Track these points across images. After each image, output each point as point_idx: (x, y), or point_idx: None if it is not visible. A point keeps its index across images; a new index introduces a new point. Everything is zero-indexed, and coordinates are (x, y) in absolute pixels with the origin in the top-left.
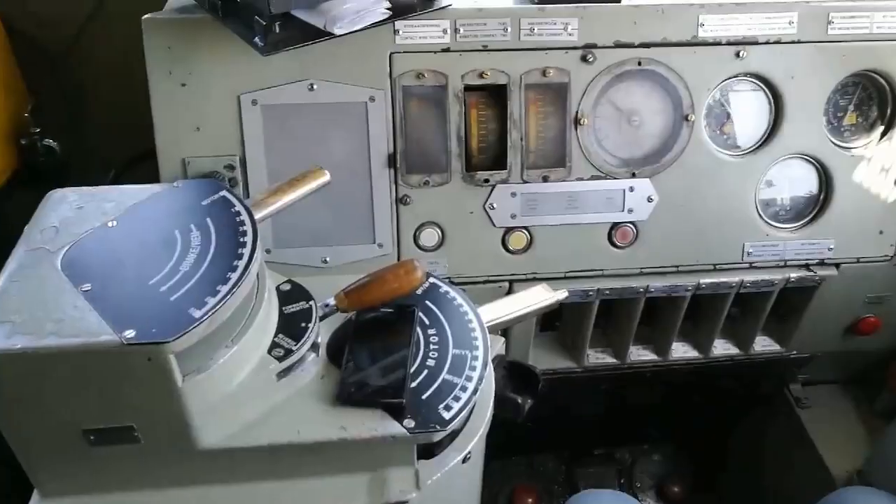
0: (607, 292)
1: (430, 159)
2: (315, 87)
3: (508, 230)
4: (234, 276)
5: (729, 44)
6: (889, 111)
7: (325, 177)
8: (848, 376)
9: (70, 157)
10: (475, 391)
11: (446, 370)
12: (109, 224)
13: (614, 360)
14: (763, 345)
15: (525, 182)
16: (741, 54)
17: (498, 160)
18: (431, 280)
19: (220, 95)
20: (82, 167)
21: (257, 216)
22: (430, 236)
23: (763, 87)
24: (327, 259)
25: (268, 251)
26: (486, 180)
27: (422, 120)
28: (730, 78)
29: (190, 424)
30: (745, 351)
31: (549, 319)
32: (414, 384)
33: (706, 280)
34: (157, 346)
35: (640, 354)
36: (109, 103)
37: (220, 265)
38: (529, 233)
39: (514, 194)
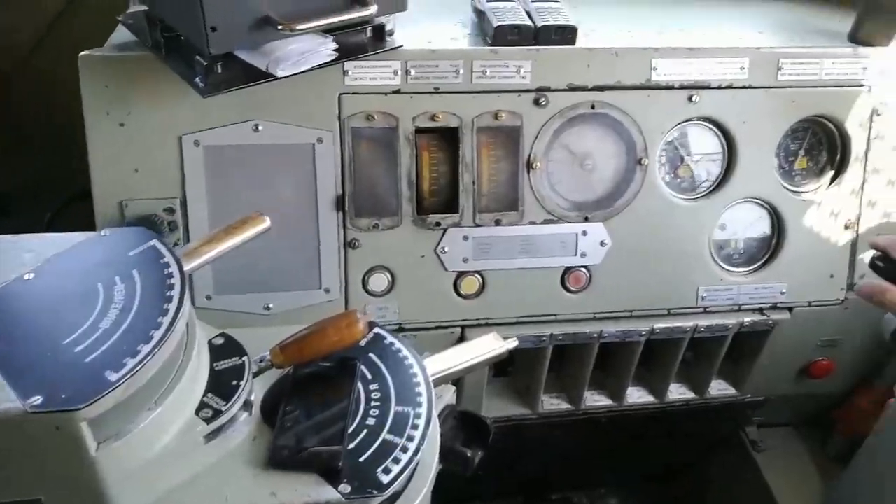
0: (561, 337)
1: (379, 202)
2: (260, 127)
3: (460, 274)
4: (157, 335)
5: (682, 88)
6: (838, 156)
7: (265, 223)
8: (802, 419)
9: (12, 191)
10: (416, 451)
11: (387, 429)
12: (26, 277)
13: (569, 406)
14: (718, 389)
15: (477, 225)
16: (694, 98)
17: (450, 203)
18: (376, 330)
19: (160, 136)
20: (24, 204)
21: (190, 266)
22: (379, 281)
23: (716, 130)
24: (270, 305)
25: (208, 297)
26: (438, 224)
27: (372, 162)
28: (683, 122)
29: (106, 494)
30: (700, 395)
31: (503, 365)
32: (352, 445)
33: (660, 325)
34: (66, 414)
35: (595, 400)
36: (52, 137)
37: (143, 322)
38: (482, 277)
39: (466, 238)
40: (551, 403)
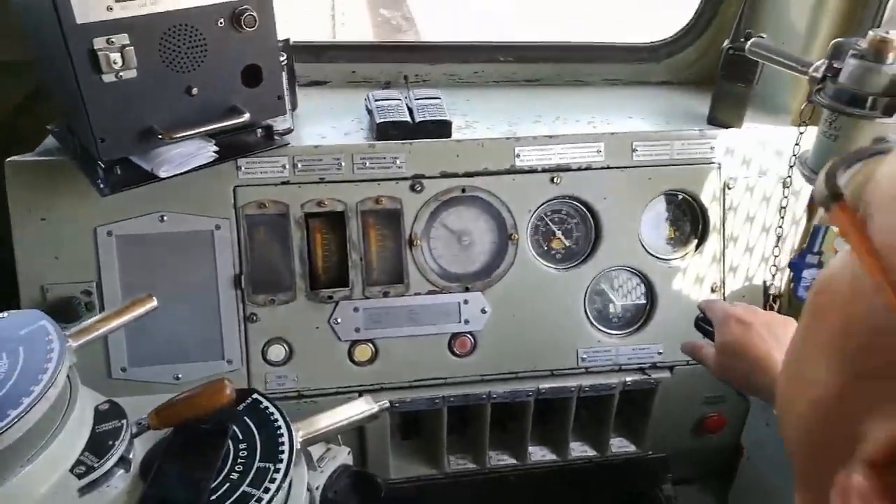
0: (453, 399)
1: (275, 279)
2: (165, 218)
3: (353, 343)
4: (27, 401)
5: (544, 171)
6: (700, 226)
7: (153, 303)
8: (712, 473)
9: None
10: (270, 501)
11: (247, 482)
12: None
13: (474, 465)
14: (619, 446)
15: (367, 298)
16: (556, 180)
17: (341, 278)
18: (255, 396)
19: (77, 228)
20: None
21: (81, 341)
22: (278, 351)
23: (581, 207)
24: (179, 376)
25: (123, 370)
26: (330, 297)
27: (266, 244)
28: (548, 201)
29: None
30: (601, 452)
31: (408, 428)
32: (214, 497)
33: (546, 385)
34: None
35: (499, 458)
36: None
37: (17, 391)
38: (374, 345)
39: (356, 309)
40: (457, 463)
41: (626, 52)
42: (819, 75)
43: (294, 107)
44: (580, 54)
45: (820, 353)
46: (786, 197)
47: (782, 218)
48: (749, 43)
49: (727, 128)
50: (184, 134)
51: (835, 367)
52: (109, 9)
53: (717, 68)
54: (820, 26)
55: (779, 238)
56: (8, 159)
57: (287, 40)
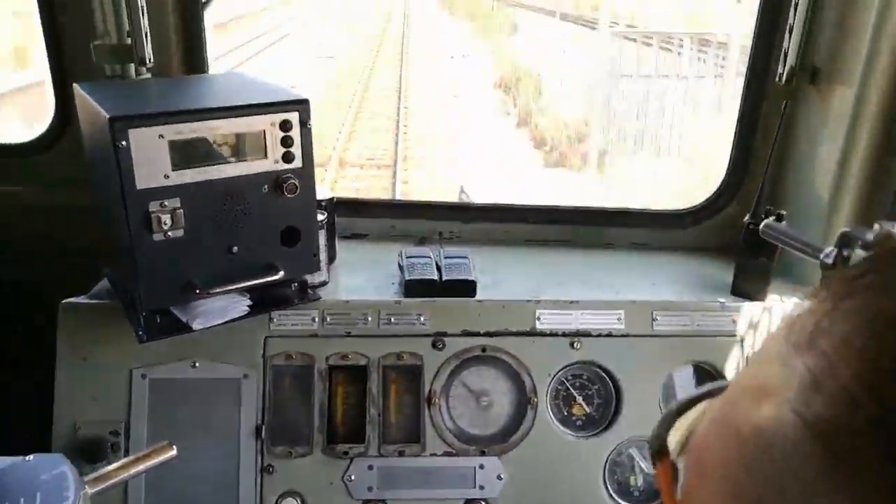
0: None
1: (294, 431)
2: (197, 364)
3: (366, 502)
4: None
5: (565, 335)
6: None
7: (172, 451)
8: None
9: None
10: None
11: None
12: None
13: None
14: None
15: (382, 456)
16: (576, 345)
17: (358, 433)
18: None
19: (115, 369)
20: None
21: (99, 488)
22: None
23: (602, 373)
24: None
25: None
26: (346, 453)
27: (288, 395)
28: (568, 365)
29: None
30: None
31: None
32: None
33: None
34: None
35: None
36: None
37: None
38: None
39: (371, 467)
40: None
41: (654, 218)
42: (830, 262)
43: (332, 259)
44: (609, 219)
45: None
46: None
47: None
48: (762, 224)
49: (751, 300)
50: (221, 290)
51: None
52: (167, 176)
53: (734, 237)
54: (841, 203)
55: None
56: (63, 301)
57: (332, 199)
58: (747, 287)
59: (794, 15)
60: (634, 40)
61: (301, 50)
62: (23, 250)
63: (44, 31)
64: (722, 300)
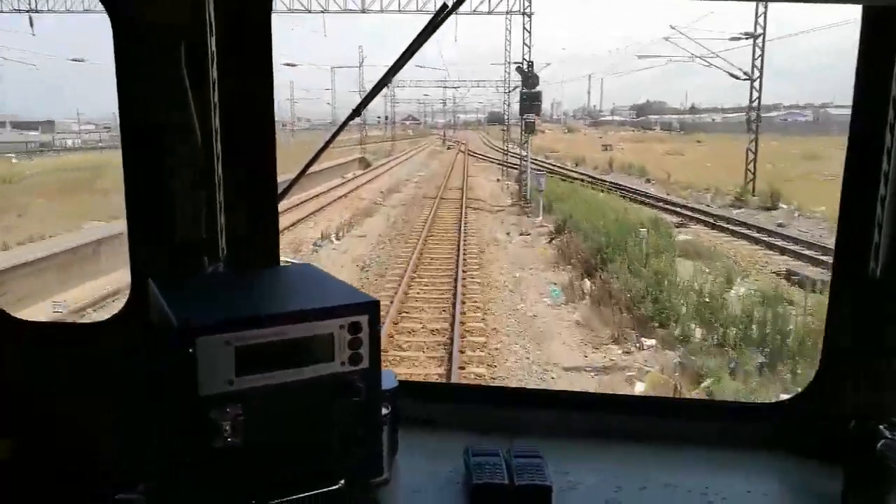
0: None
1: None
2: None
3: None
4: None
5: None
6: None
7: None
8: None
9: None
10: None
11: None
12: None
13: None
14: None
15: None
16: None
17: None
18: None
19: None
20: None
21: None
22: None
23: None
24: None
25: None
26: None
27: None
28: None
29: None
30: None
31: None
32: None
33: None
34: None
35: None
36: None
37: None
38: None
39: None
40: None
41: (735, 413)
42: None
43: (394, 452)
44: (687, 411)
45: None
46: None
47: None
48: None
49: None
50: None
51: None
52: (230, 382)
53: (834, 439)
54: None
55: None
56: None
57: (397, 387)
58: None
59: None
60: None
61: None
62: None
63: (128, 224)
64: None
